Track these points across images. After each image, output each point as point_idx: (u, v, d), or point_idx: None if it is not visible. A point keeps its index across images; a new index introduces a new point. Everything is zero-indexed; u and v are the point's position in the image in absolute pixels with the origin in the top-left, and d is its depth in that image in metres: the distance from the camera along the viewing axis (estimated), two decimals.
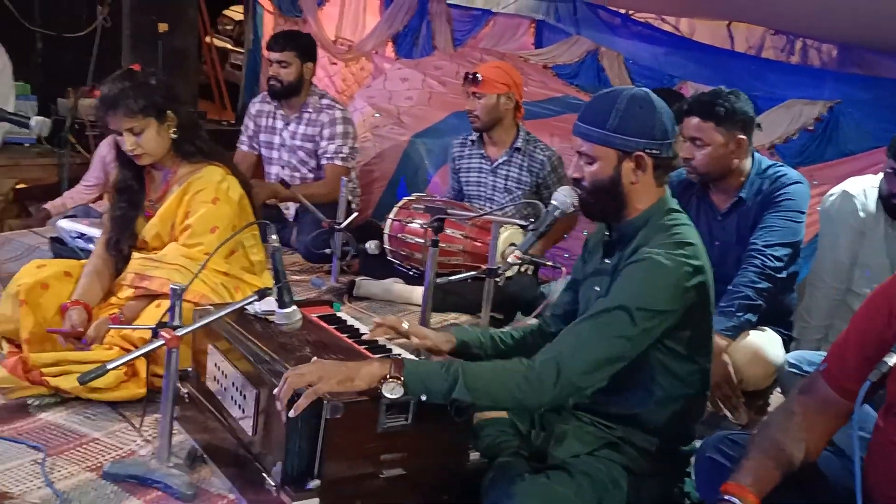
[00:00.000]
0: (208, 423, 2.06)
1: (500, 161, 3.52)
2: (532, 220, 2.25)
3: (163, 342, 1.85)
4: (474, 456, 1.91)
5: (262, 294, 1.91)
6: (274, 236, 1.94)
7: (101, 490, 1.85)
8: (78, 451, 2.01)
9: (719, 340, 2.34)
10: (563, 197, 2.04)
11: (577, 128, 1.91)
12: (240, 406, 1.94)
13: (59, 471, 1.91)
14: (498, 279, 2.64)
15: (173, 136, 2.57)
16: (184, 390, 2.12)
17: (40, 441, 2.03)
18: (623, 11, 4.84)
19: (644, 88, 1.93)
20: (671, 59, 4.54)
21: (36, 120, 2.60)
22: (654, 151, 1.84)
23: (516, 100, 3.47)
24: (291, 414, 1.63)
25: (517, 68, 3.80)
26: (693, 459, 1.92)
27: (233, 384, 1.99)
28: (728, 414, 2.48)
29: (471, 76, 3.44)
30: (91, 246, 3.25)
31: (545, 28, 5.24)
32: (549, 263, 2.80)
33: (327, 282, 3.41)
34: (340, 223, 3.31)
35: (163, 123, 2.54)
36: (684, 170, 2.69)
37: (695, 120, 2.58)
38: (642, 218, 1.88)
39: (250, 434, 1.88)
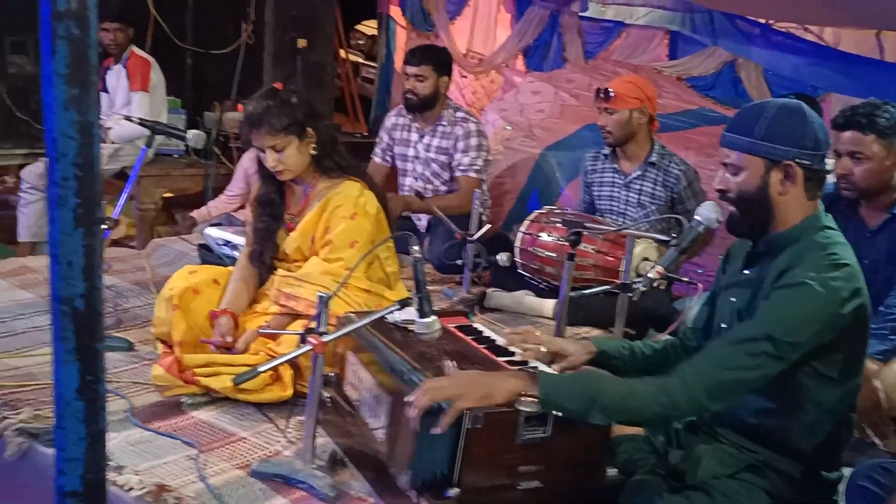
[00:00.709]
0: (348, 428, 2.14)
1: (634, 175, 3.48)
2: (673, 235, 2.22)
3: (310, 347, 1.93)
4: (610, 472, 1.90)
5: (403, 303, 1.97)
6: (416, 247, 1.99)
7: (249, 487, 1.94)
8: (228, 448, 2.12)
9: (870, 365, 2.24)
10: (707, 212, 2.01)
11: (723, 138, 1.88)
12: (374, 413, 2.00)
13: (211, 467, 2.01)
14: (632, 294, 2.62)
15: (313, 152, 2.67)
16: (326, 395, 2.20)
17: (193, 438, 2.14)
18: (763, 21, 4.71)
19: (796, 100, 1.88)
20: (814, 69, 4.37)
21: (192, 133, 2.76)
22: (804, 162, 1.79)
23: (650, 114, 3.43)
24: (437, 431, 1.67)
25: (650, 80, 3.76)
26: (841, 487, 1.85)
27: (368, 391, 2.05)
28: (877, 441, 2.37)
29: (602, 92, 3.42)
30: (236, 253, 3.41)
31: (680, 39, 5.15)
32: (686, 280, 2.75)
33: (458, 292, 3.46)
34: (473, 235, 3.35)
35: (303, 140, 2.64)
36: (831, 184, 2.60)
37: (852, 133, 2.47)
38: (793, 233, 1.82)
39: (384, 440, 1.93)
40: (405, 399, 1.74)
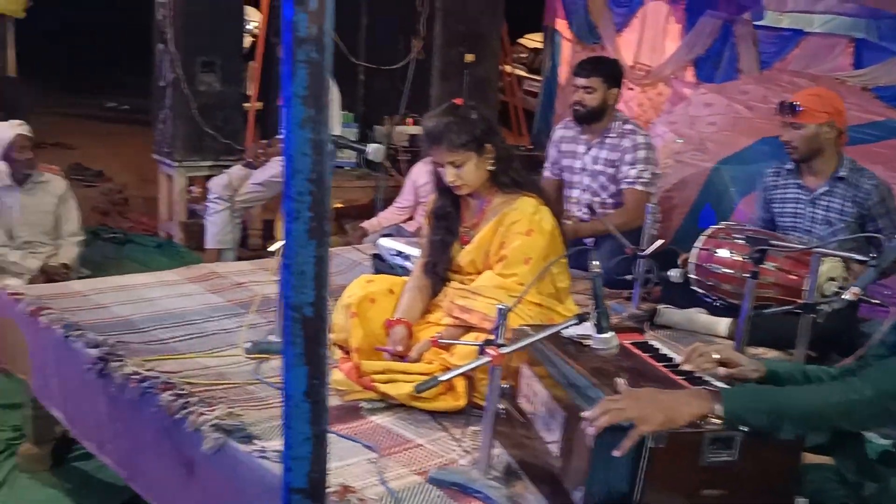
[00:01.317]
0: (522, 440, 2.15)
1: (821, 191, 3.32)
2: (872, 255, 2.10)
3: (488, 359, 1.96)
4: (800, 501, 1.82)
5: (581, 318, 1.97)
6: (595, 262, 1.98)
7: (427, 494, 1.99)
8: (405, 454, 2.17)
9: None
10: None
11: None
12: (548, 427, 2.00)
13: (390, 471, 2.07)
14: (816, 315, 2.50)
15: (490, 167, 2.71)
16: (501, 406, 2.22)
17: (373, 441, 2.21)
18: None
19: None
20: None
21: (373, 147, 2.86)
22: None
23: (839, 128, 3.26)
24: (617, 453, 1.66)
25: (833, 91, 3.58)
26: None
27: (543, 405, 2.05)
28: None
29: (787, 106, 3.28)
30: (408, 264, 3.51)
31: (865, 47, 4.88)
32: (876, 301, 2.60)
33: (628, 308, 3.41)
34: (644, 250, 3.29)
35: (482, 156, 2.68)
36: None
37: None
38: None
39: (558, 455, 1.93)
40: (581, 415, 1.73)
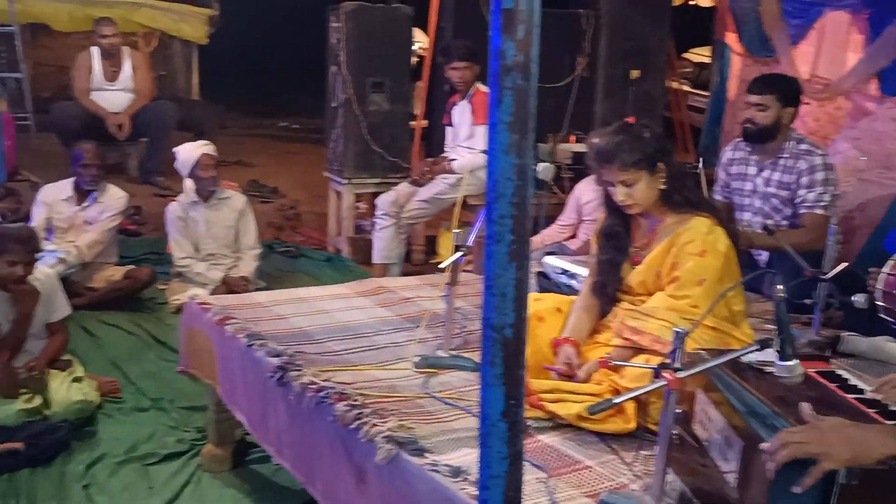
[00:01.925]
0: (697, 468, 2.08)
1: None
2: None
3: (664, 383, 1.92)
4: None
5: (763, 344, 1.89)
6: (779, 286, 1.90)
7: None
8: (575, 475, 2.16)
9: None
10: None
11: None
12: (725, 456, 1.93)
13: (560, 492, 2.06)
14: None
15: (662, 186, 2.65)
16: (674, 432, 2.16)
17: (541, 461, 2.21)
18: None
19: None
20: None
21: (542, 166, 2.88)
22: None
23: None
24: (797, 490, 1.58)
25: None
26: None
27: (719, 432, 1.98)
28: None
29: None
30: (573, 282, 3.49)
31: None
32: None
33: (807, 334, 3.24)
34: (826, 273, 3.13)
35: (654, 175, 2.63)
36: None
37: None
38: None
39: (734, 486, 1.86)
40: (761, 447, 1.66)
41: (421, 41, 7.10)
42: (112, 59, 6.92)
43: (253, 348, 2.86)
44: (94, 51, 6.94)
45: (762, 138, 3.88)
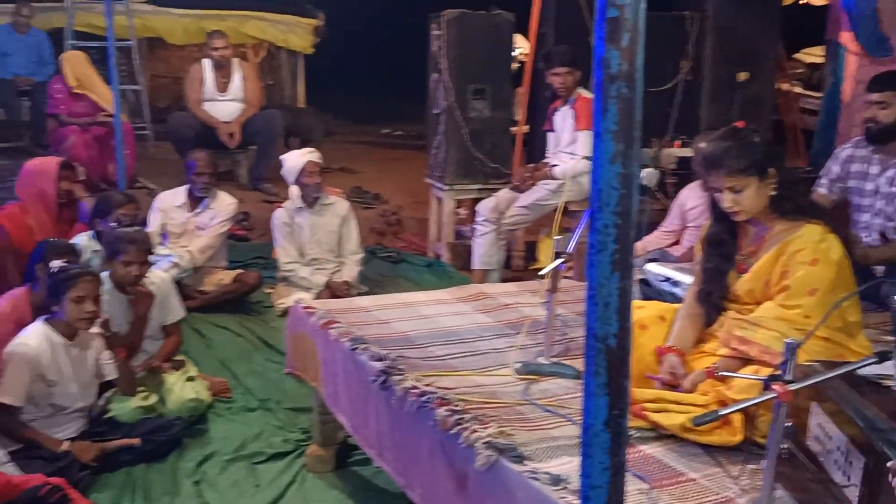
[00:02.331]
0: (809, 484, 2.01)
1: None
2: None
3: (774, 395, 1.86)
4: None
5: (882, 356, 1.82)
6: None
7: None
8: (678, 488, 2.11)
9: None
10: None
11: None
12: (844, 472, 1.86)
13: None
14: None
15: (772, 193, 2.57)
16: (783, 446, 2.09)
17: (643, 472, 2.18)
18: None
19: None
20: None
21: (646, 172, 2.83)
22: None
23: None
24: None
25: None
26: None
27: (837, 448, 1.91)
28: None
29: None
30: (676, 290, 3.42)
31: None
32: None
33: None
34: None
35: (763, 181, 2.54)
36: None
37: None
38: None
39: (856, 503, 1.78)
40: (889, 465, 1.59)
41: (522, 47, 7.09)
42: (223, 71, 7.17)
43: (356, 352, 2.92)
44: (206, 63, 7.20)
45: (886, 137, 3.73)
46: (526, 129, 6.49)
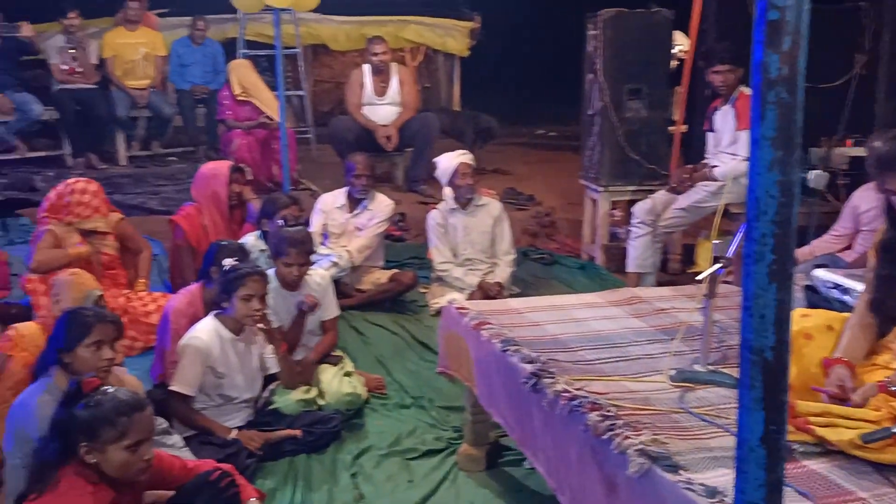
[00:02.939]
0: None
1: None
2: None
3: None
4: None
5: None
6: None
7: None
8: None
9: None
10: None
11: None
12: None
13: None
14: None
15: None
16: None
17: (807, 488, 2.07)
18: None
19: None
20: None
21: (814, 174, 2.71)
22: None
23: None
24: None
25: None
26: None
27: None
28: None
29: None
30: (846, 298, 3.24)
31: None
32: None
33: None
34: None
35: None
36: None
37: None
38: None
39: None
40: None
41: (682, 44, 6.90)
42: (381, 75, 7.38)
43: (507, 353, 2.93)
44: (366, 68, 7.43)
45: None
46: (684, 128, 6.31)
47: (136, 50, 8.22)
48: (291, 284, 4.10)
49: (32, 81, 8.23)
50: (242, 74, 7.41)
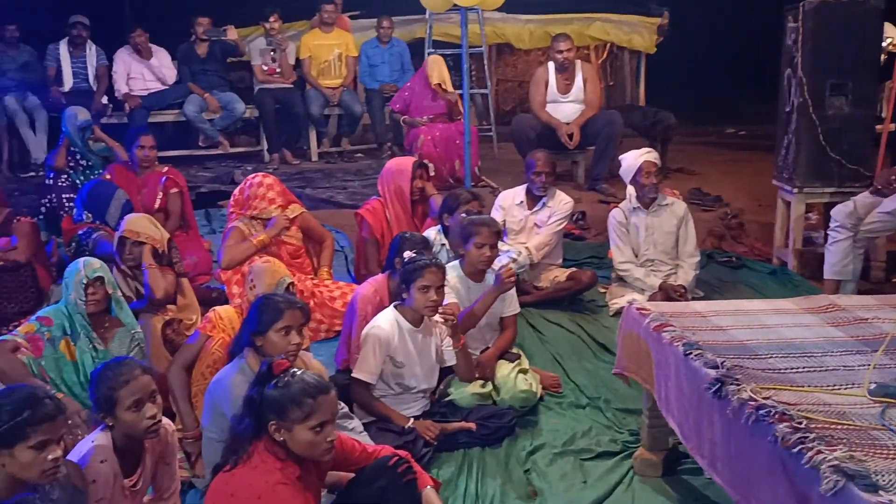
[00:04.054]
0: None
1: None
2: None
3: None
4: None
5: None
6: None
7: None
8: None
9: None
10: None
11: None
12: None
13: None
14: None
15: None
16: None
17: None
18: None
19: None
20: None
21: None
22: None
23: None
24: None
25: None
26: None
27: None
28: None
29: None
30: None
31: None
32: None
33: None
34: None
35: None
36: None
37: None
38: None
39: None
40: None
41: (892, 36, 6.41)
42: (566, 73, 7.31)
43: (690, 357, 2.82)
44: (550, 66, 7.39)
45: None
46: (892, 127, 5.85)
47: (331, 51, 8.59)
48: (480, 272, 4.14)
49: (237, 82, 8.81)
50: (440, 68, 7.54)
